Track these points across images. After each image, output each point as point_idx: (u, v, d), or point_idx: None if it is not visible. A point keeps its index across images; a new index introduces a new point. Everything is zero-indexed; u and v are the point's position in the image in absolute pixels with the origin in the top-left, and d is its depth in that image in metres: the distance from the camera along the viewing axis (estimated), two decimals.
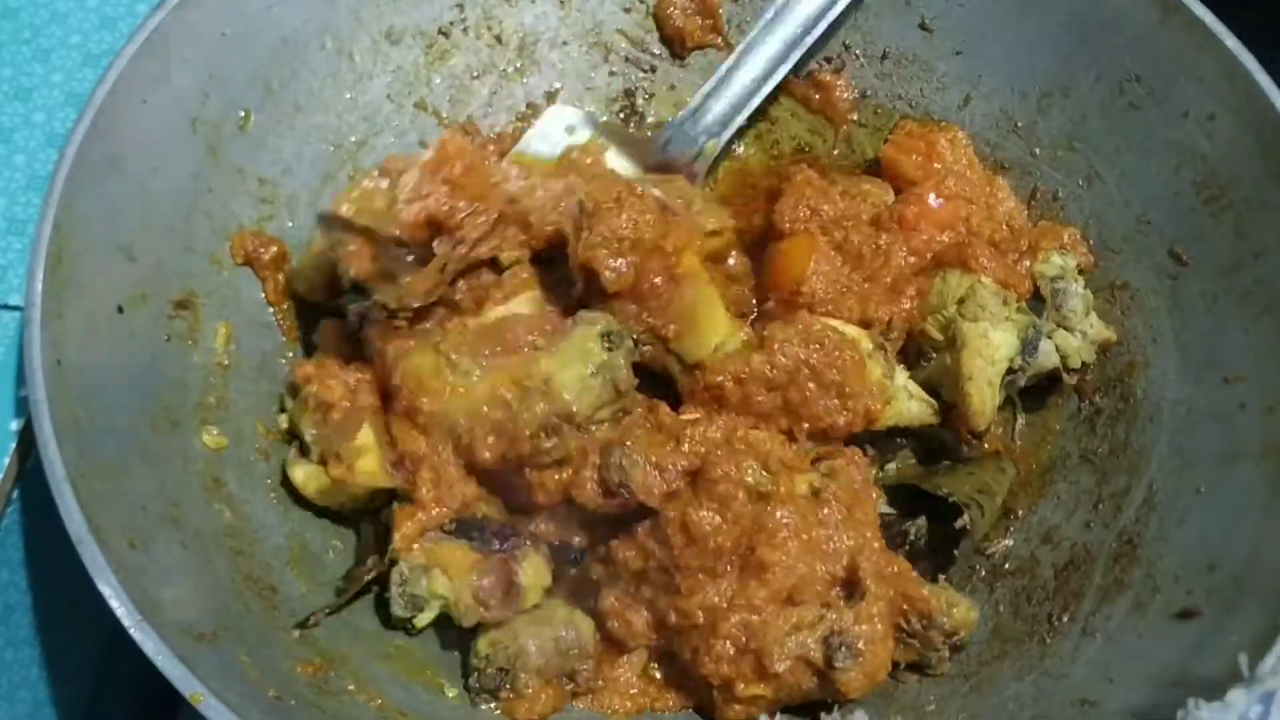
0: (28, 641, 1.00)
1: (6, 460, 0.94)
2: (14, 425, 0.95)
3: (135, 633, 0.75)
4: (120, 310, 0.94)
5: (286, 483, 1.02)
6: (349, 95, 1.15)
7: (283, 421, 1.04)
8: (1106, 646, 0.91)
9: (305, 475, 1.00)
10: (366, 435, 0.98)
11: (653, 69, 1.26)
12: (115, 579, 0.76)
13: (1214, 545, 0.92)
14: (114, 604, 0.76)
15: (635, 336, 0.99)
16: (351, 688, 0.89)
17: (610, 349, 0.94)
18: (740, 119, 1.18)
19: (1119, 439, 1.06)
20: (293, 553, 0.99)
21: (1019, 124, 1.18)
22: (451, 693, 0.96)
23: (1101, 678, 0.88)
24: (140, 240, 0.97)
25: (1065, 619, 0.96)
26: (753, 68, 1.17)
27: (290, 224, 1.11)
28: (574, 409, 0.92)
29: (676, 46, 1.26)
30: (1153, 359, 1.07)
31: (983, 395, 1.02)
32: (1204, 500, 0.96)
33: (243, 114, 1.07)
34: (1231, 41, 1.03)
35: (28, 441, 0.95)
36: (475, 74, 1.22)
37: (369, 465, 0.97)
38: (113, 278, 0.94)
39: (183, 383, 0.99)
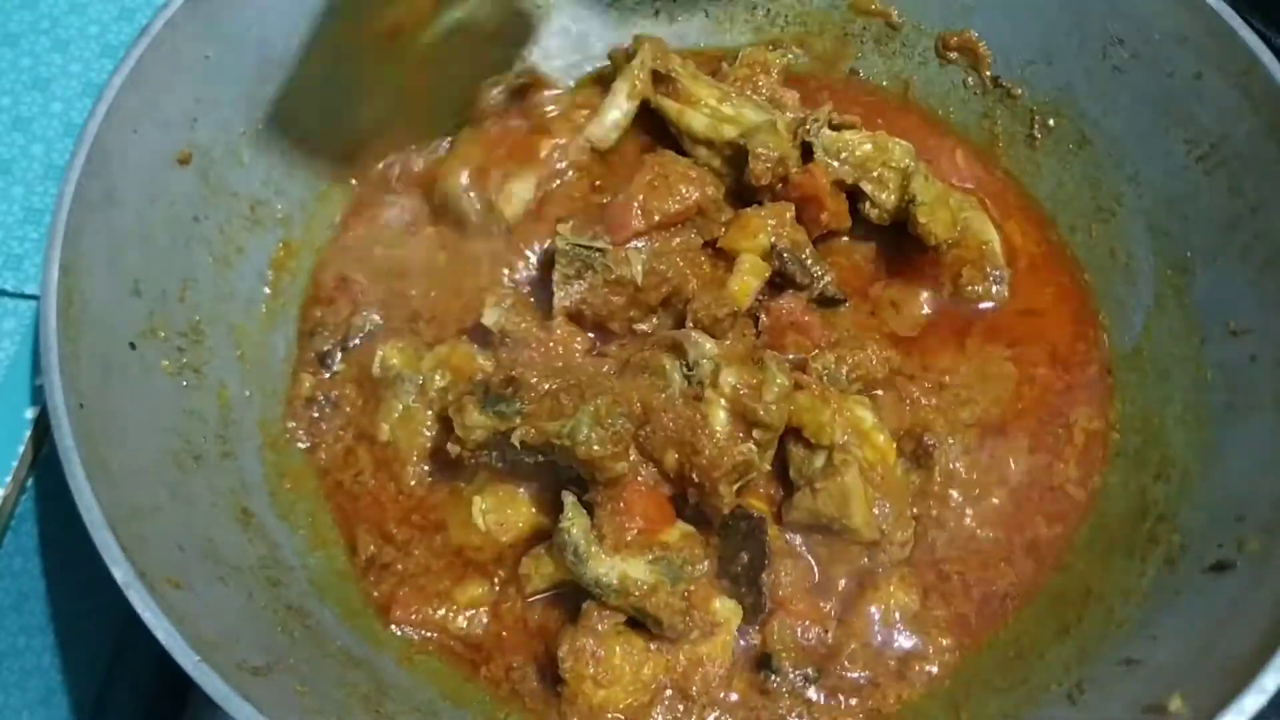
0: (40, 628, 0.99)
1: (21, 448, 0.92)
2: (29, 413, 0.93)
3: (196, 674, 0.74)
4: (133, 347, 0.93)
5: (311, 509, 1.01)
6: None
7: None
8: (1145, 604, 0.92)
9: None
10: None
11: None
12: (168, 621, 0.75)
13: (1239, 498, 0.93)
14: (170, 647, 0.74)
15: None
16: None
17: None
18: None
19: (1131, 400, 1.08)
20: (321, 580, 0.98)
21: (1005, 93, 1.19)
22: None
23: (1144, 635, 0.90)
24: (144, 274, 0.96)
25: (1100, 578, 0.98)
26: None
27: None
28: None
29: None
30: (1156, 318, 1.08)
31: None
32: (1223, 454, 0.97)
33: (231, 136, 1.05)
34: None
35: (43, 429, 0.93)
36: None
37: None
38: (122, 315, 0.93)
39: (199, 415, 0.97)
